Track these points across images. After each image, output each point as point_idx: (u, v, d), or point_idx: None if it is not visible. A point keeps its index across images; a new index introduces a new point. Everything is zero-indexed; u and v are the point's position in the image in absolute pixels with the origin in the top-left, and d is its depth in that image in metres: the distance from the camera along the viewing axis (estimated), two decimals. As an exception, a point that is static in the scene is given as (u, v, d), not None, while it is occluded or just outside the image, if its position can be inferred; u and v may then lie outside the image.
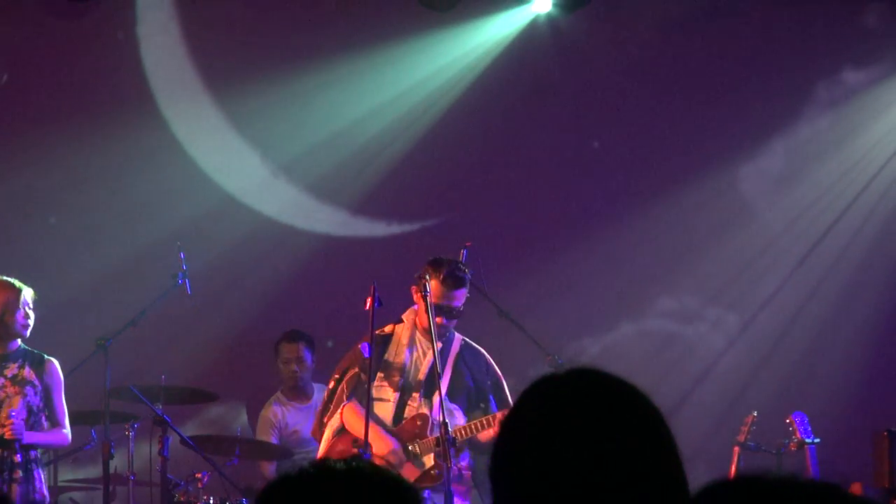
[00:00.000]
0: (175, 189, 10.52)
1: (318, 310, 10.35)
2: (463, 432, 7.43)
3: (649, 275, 10.95)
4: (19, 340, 7.91)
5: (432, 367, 7.50)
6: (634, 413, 2.18)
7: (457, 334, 7.78)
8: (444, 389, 7.41)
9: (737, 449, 8.79)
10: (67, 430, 7.92)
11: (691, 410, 10.29)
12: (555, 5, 10.72)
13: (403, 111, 10.73)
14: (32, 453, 7.80)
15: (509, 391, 7.81)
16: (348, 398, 7.62)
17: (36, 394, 7.83)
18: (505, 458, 2.19)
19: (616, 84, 11.03)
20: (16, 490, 7.65)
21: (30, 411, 7.79)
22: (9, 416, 7.63)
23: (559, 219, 11.00)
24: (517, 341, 8.09)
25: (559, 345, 9.40)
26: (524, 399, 2.24)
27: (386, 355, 7.62)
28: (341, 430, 7.67)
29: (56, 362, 7.97)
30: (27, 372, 7.82)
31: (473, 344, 7.83)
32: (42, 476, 7.88)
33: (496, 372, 7.78)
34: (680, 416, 9.92)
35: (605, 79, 11.03)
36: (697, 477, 2.18)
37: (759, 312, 10.98)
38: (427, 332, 7.50)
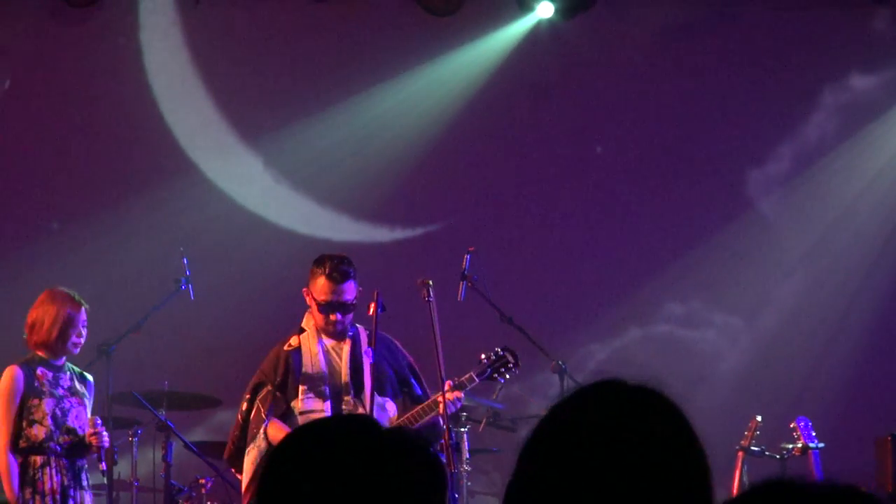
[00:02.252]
0: (178, 194, 10.52)
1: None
2: (408, 423, 7.33)
3: (656, 280, 10.93)
4: (65, 357, 7.87)
5: (352, 366, 7.39)
6: (668, 427, 2.15)
7: (360, 327, 7.63)
8: (369, 382, 7.30)
9: (741, 454, 8.76)
10: None
11: (696, 415, 10.24)
12: (557, 11, 10.70)
13: (406, 117, 10.72)
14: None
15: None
16: (267, 417, 7.35)
17: (88, 408, 7.81)
18: (528, 474, 2.15)
19: (619, 89, 11.01)
20: (86, 498, 7.66)
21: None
22: (94, 424, 7.60)
23: (563, 223, 10.98)
24: (522, 347, 8.05)
25: (566, 350, 9.38)
26: (552, 415, 2.19)
27: (303, 368, 7.48)
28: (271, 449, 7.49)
29: (92, 379, 7.96)
30: (79, 386, 7.79)
31: (379, 332, 7.63)
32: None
33: (405, 353, 7.62)
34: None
35: (607, 84, 11.01)
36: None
37: (765, 317, 10.95)
38: (328, 333, 7.45)
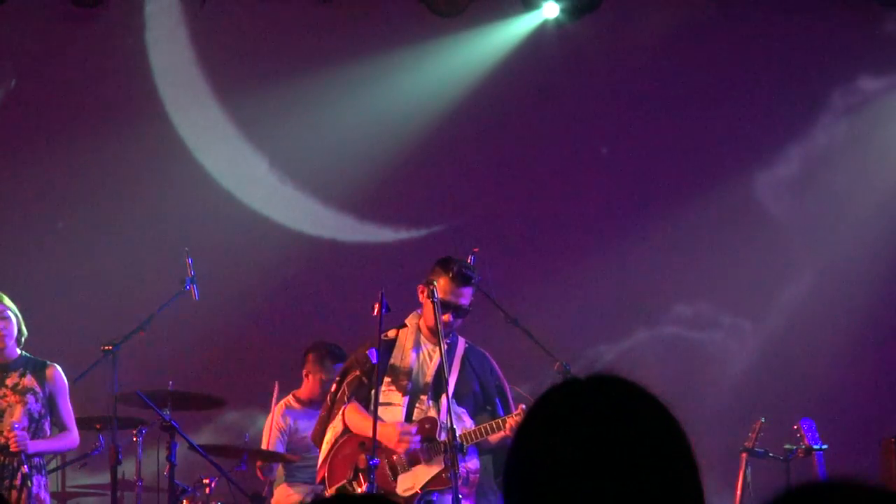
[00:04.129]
0: (183, 194, 10.53)
1: (326, 315, 10.34)
2: (473, 435, 7.40)
3: (664, 281, 10.92)
4: (18, 349, 7.92)
5: (439, 369, 7.47)
6: (653, 422, 2.15)
7: (461, 338, 7.75)
8: (451, 390, 7.39)
9: (744, 455, 8.75)
10: (75, 432, 7.95)
11: (702, 416, 10.24)
12: (563, 11, 10.69)
13: (411, 117, 10.72)
14: (35, 460, 7.81)
15: (522, 399, 7.78)
16: (349, 399, 7.59)
17: (38, 401, 7.84)
18: (519, 463, 2.16)
19: (625, 90, 11.00)
20: (14, 496, 7.67)
21: (31, 419, 7.82)
22: (12, 428, 7.65)
23: (569, 225, 10.98)
24: (526, 348, 8.04)
25: (574, 351, 9.37)
26: (541, 403, 2.20)
27: (391, 360, 7.59)
28: (345, 432, 7.62)
29: (58, 367, 7.99)
30: (28, 380, 7.84)
31: (478, 348, 7.80)
32: (43, 482, 7.88)
33: (500, 375, 7.78)
34: (690, 421, 9.87)
35: (613, 85, 11.00)
36: (704, 483, 2.16)
37: (772, 319, 10.93)
38: (433, 333, 7.50)
